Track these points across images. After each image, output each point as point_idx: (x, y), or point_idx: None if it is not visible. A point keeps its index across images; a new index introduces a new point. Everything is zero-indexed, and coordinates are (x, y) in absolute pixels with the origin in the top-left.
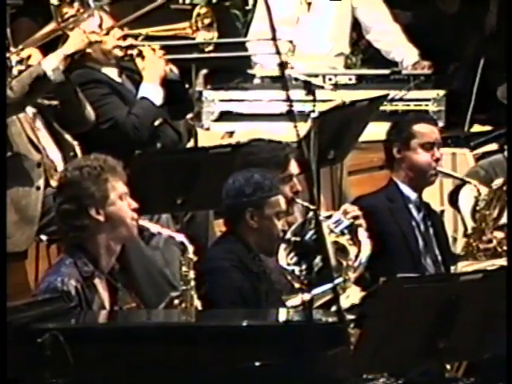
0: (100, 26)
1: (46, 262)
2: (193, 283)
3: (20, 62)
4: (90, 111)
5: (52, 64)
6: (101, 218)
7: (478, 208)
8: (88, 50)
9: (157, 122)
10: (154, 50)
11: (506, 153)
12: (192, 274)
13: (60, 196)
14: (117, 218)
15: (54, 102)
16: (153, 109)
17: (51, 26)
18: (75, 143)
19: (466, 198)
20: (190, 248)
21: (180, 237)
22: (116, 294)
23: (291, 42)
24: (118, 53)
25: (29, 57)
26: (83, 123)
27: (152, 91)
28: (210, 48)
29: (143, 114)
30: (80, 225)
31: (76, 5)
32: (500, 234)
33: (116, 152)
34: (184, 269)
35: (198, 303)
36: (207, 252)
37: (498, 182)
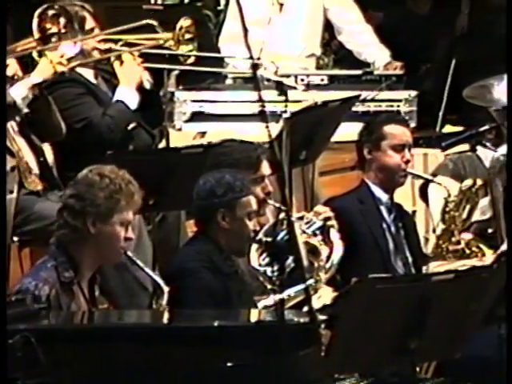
0: (81, 52)
1: (17, 262)
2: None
3: None
4: (61, 122)
5: (21, 93)
6: (93, 230)
7: (447, 209)
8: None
9: (130, 126)
10: (133, 55)
11: (478, 152)
12: None
13: (71, 189)
14: (107, 240)
15: (25, 110)
16: (127, 112)
17: (30, 40)
18: (45, 145)
19: (436, 198)
20: (165, 289)
21: (158, 279)
22: (94, 303)
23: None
24: (97, 55)
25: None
26: (54, 134)
27: (128, 95)
28: (191, 61)
29: (118, 116)
30: (73, 225)
31: (62, 21)
32: (468, 236)
33: (88, 152)
34: None
35: None
36: (178, 253)
37: (467, 182)
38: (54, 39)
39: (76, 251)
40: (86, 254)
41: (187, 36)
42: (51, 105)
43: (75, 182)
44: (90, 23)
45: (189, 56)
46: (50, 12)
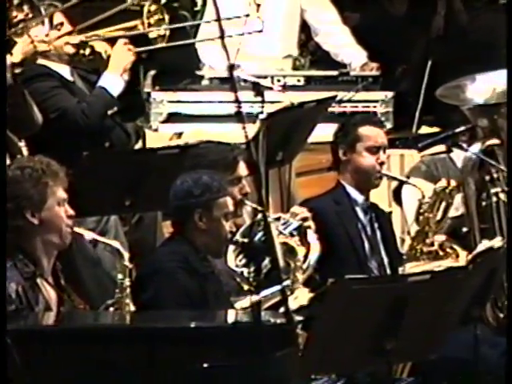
0: (47, 34)
1: None
2: (128, 290)
3: None
4: (37, 114)
5: None
6: (35, 221)
7: (421, 211)
8: (40, 49)
9: (110, 112)
10: (125, 42)
11: (451, 153)
12: (127, 282)
13: None
14: (51, 224)
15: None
16: (107, 98)
17: None
18: (21, 144)
19: (410, 200)
20: (126, 255)
21: (116, 244)
22: (62, 293)
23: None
24: (70, 50)
25: None
26: (31, 126)
27: (111, 81)
28: (163, 44)
29: (95, 101)
30: (15, 225)
31: (26, 8)
32: (441, 237)
33: (63, 149)
34: (119, 276)
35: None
36: (153, 254)
37: (441, 184)
38: (20, 25)
39: (28, 245)
40: (38, 245)
41: (156, 17)
42: (26, 96)
43: None
44: (58, 18)
45: (163, 37)
46: (16, 1)
